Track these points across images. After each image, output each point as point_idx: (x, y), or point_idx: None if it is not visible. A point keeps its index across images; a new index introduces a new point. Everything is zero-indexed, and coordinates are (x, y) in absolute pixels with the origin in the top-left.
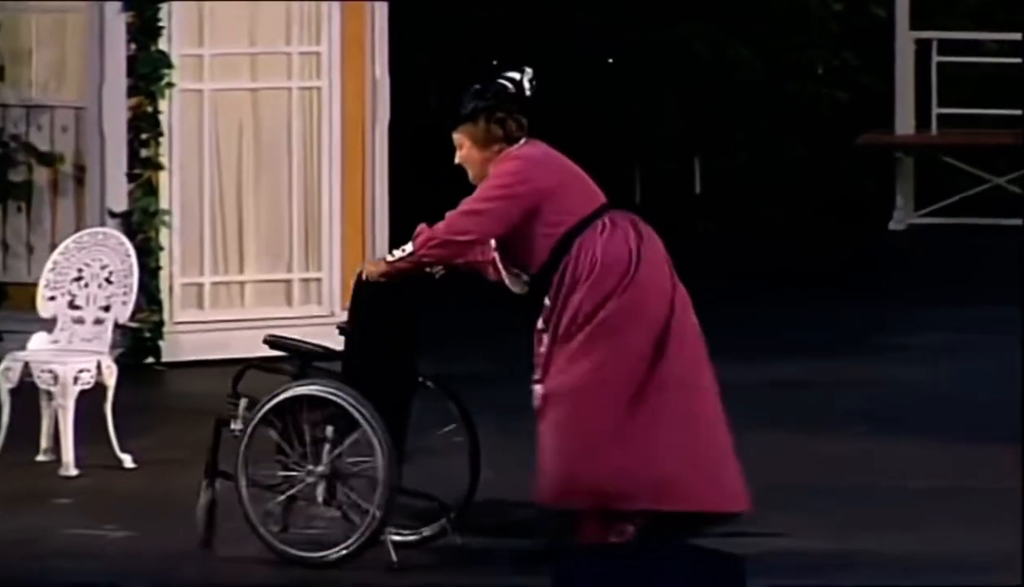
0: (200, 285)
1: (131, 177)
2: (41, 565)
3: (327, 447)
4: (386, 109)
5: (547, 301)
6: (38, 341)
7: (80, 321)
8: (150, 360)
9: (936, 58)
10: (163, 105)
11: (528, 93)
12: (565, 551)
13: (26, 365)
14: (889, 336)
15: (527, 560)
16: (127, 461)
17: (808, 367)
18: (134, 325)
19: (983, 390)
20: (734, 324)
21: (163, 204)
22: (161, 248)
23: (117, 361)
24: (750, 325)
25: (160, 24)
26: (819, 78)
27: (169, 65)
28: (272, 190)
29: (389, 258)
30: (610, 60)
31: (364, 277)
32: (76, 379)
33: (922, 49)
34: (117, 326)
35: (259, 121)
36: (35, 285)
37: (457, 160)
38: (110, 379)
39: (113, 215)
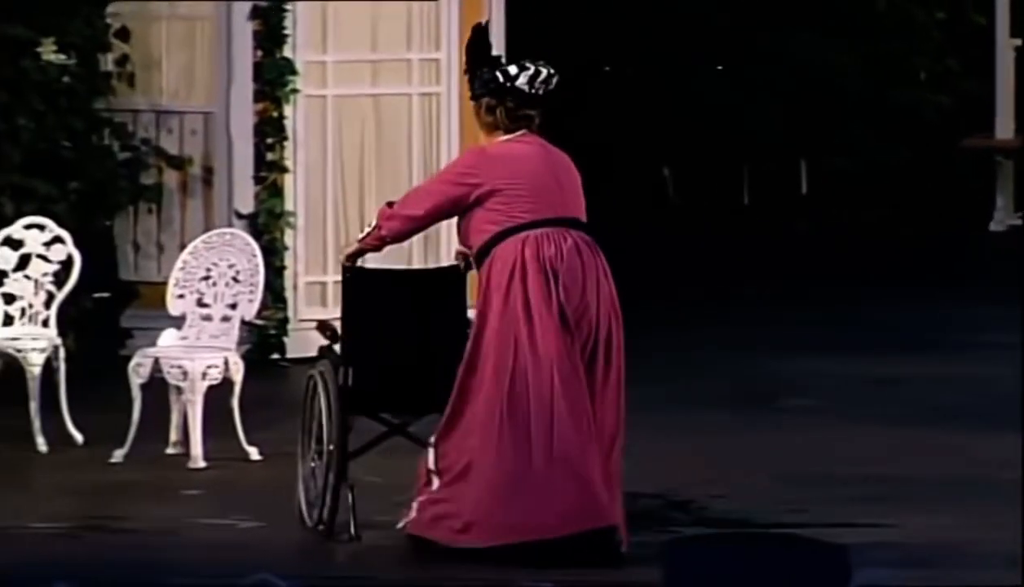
0: (323, 283)
1: (257, 180)
2: (171, 554)
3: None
4: None
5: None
6: (168, 338)
7: (208, 318)
8: (275, 356)
9: None
10: (288, 110)
11: (529, 90)
12: (675, 541)
13: (156, 361)
14: (988, 334)
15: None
16: (253, 453)
17: (909, 363)
18: (260, 322)
19: None
20: (838, 321)
21: (288, 206)
22: (286, 248)
23: (243, 357)
24: (853, 322)
25: (285, 32)
26: (922, 84)
27: (294, 71)
28: (392, 192)
29: (359, 236)
30: (719, 66)
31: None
32: (204, 375)
33: (1022, 55)
34: (243, 323)
35: (380, 125)
36: (165, 284)
37: None
38: (237, 374)
39: (240, 216)
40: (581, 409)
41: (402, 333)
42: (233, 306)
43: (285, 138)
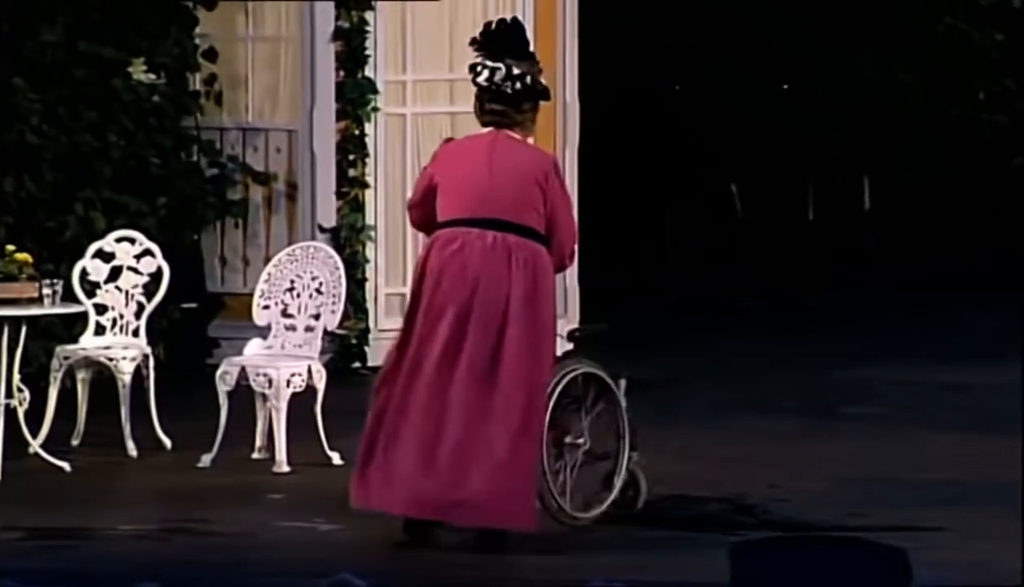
0: (402, 295)
1: (339, 195)
2: (255, 556)
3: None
4: (575, 132)
5: None
6: (253, 347)
7: (292, 328)
8: (356, 365)
9: None
10: (369, 128)
11: (489, 85)
12: (742, 544)
13: (242, 369)
14: None
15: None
16: (336, 459)
17: (973, 371)
18: (342, 332)
19: None
20: (897, 330)
21: (368, 220)
22: (367, 261)
23: (326, 366)
24: (911, 331)
25: (366, 53)
26: (980, 103)
27: (374, 90)
28: None
29: None
30: (785, 85)
31: None
32: (288, 382)
33: None
34: (326, 333)
35: None
36: (251, 295)
37: None
38: (320, 382)
39: (323, 230)
40: (462, 406)
41: None
42: (316, 317)
43: (366, 155)
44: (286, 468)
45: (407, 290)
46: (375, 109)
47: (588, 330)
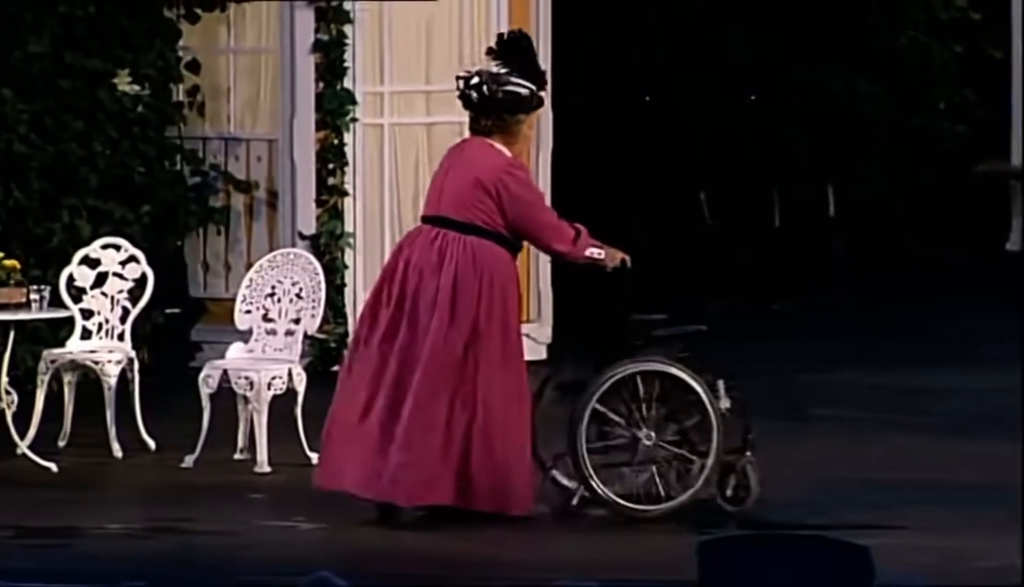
0: None
1: (319, 203)
2: (237, 554)
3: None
4: (549, 138)
5: None
6: (235, 351)
7: (273, 332)
8: (336, 368)
9: None
10: (347, 137)
11: (461, 94)
12: (709, 542)
13: (224, 372)
14: (1004, 347)
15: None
16: (315, 459)
17: (931, 375)
18: (321, 336)
19: None
20: (864, 335)
21: (347, 227)
22: (346, 266)
23: (306, 369)
24: (877, 336)
25: (345, 64)
26: (941, 113)
27: (353, 101)
28: None
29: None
30: (752, 97)
31: None
32: (269, 385)
33: None
34: (306, 337)
35: (433, 152)
36: (232, 300)
37: None
38: (300, 385)
39: (303, 237)
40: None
41: None
42: (296, 321)
43: (345, 164)
44: (267, 468)
45: None
46: (354, 119)
47: (675, 329)
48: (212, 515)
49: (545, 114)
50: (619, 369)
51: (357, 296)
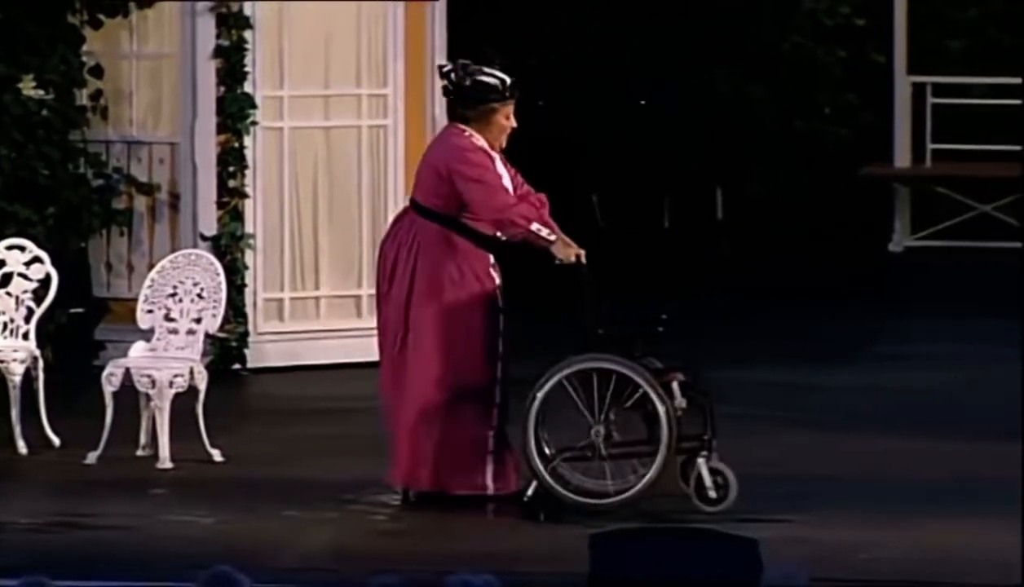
0: (280, 300)
1: (220, 204)
2: (139, 547)
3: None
4: None
5: None
6: (137, 349)
7: (174, 332)
8: (236, 366)
9: (931, 100)
10: (248, 141)
11: (446, 86)
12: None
13: (127, 371)
14: (888, 346)
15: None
16: (216, 456)
17: (816, 373)
18: (222, 335)
19: (977, 394)
20: (750, 334)
21: (248, 228)
22: (246, 267)
23: (207, 367)
24: (764, 335)
25: (245, 69)
26: (825, 117)
27: (253, 105)
28: (344, 216)
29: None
30: (642, 102)
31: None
32: (171, 383)
33: (918, 91)
34: (207, 336)
35: (332, 155)
36: (135, 300)
37: None
38: (201, 383)
39: (204, 238)
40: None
41: None
42: (198, 320)
43: (245, 167)
44: (169, 465)
45: (284, 296)
46: (254, 123)
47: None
48: (115, 510)
49: (440, 119)
50: (566, 366)
51: (257, 296)
